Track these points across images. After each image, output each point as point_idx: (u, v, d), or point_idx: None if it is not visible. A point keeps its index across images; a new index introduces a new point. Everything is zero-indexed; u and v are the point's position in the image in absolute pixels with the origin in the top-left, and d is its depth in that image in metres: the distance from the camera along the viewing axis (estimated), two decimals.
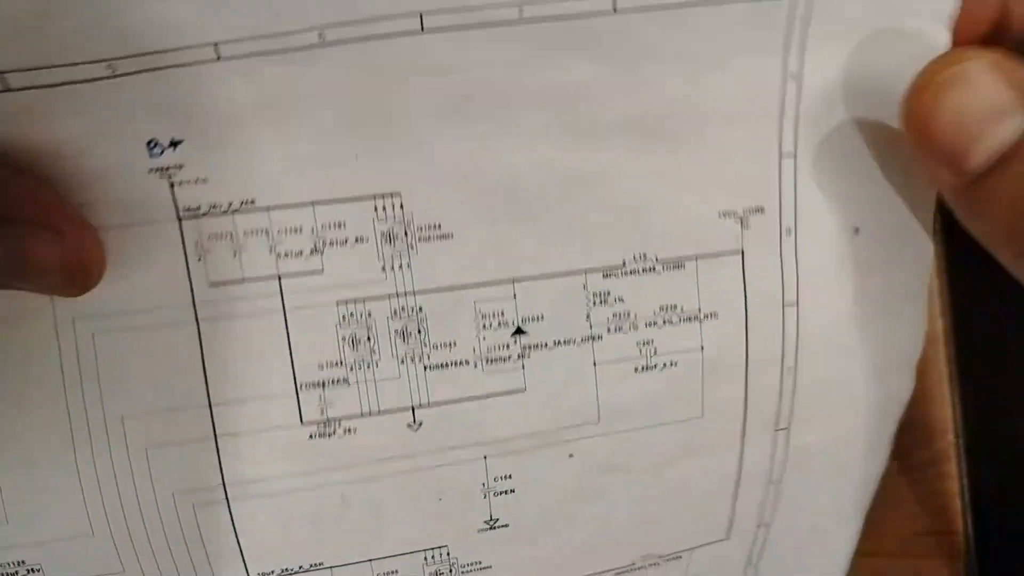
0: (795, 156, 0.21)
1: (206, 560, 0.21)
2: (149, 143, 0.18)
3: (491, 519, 0.23)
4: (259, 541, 0.21)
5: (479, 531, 0.23)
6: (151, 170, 0.18)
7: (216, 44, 0.17)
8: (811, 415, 0.23)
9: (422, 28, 0.18)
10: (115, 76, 0.17)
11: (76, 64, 0.17)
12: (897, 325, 0.23)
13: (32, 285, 0.18)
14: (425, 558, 0.23)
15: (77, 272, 0.18)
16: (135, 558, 0.21)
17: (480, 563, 0.23)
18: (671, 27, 0.19)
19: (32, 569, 0.20)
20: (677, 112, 0.20)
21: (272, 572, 0.22)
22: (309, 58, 0.18)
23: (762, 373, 0.22)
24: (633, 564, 0.25)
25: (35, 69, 0.16)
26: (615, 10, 0.18)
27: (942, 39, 0.19)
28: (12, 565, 0.20)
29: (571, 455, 0.22)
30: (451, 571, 0.23)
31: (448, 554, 0.23)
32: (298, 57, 0.18)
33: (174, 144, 0.18)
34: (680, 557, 0.25)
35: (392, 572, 0.23)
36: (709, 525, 0.25)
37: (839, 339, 0.22)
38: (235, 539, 0.21)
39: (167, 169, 0.18)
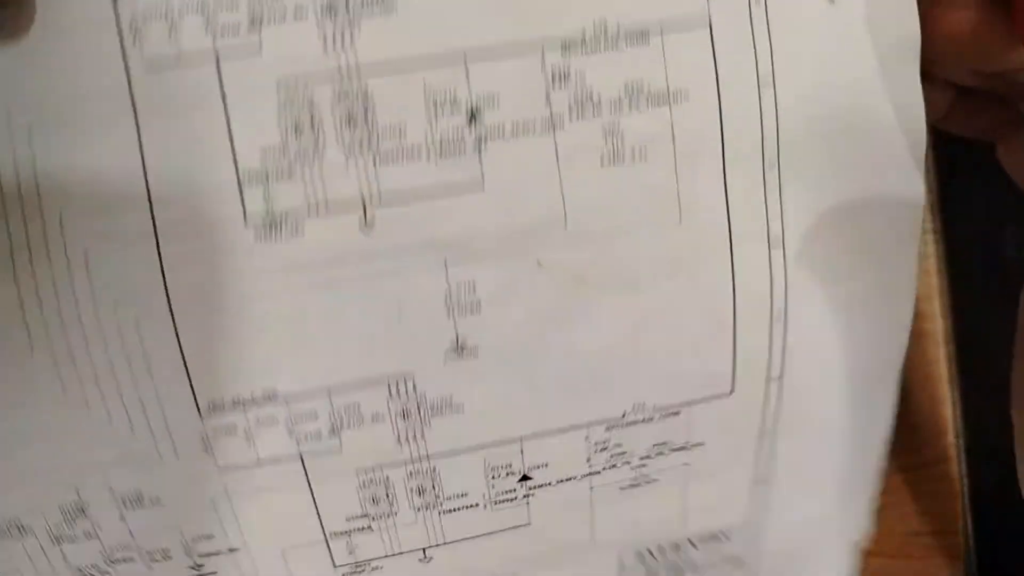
0: None
1: (150, 382, 0.20)
2: None
3: (458, 341, 0.21)
4: (206, 361, 0.20)
5: (446, 357, 0.21)
6: None
7: None
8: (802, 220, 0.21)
9: None
10: None
11: None
12: (886, 106, 0.21)
13: None
14: (389, 390, 0.21)
15: None
16: (77, 378, 0.20)
17: (451, 399, 0.21)
18: None
19: None
20: None
21: (223, 400, 0.20)
22: None
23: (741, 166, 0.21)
24: (624, 415, 0.22)
25: None
26: None
27: None
28: None
29: (539, 263, 0.21)
30: (419, 409, 0.21)
31: (415, 387, 0.21)
32: None
33: None
34: (678, 413, 0.23)
35: (354, 405, 0.21)
36: (708, 373, 0.22)
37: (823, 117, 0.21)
38: (181, 358, 0.20)
39: None
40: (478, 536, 0.23)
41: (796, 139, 0.21)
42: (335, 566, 0.23)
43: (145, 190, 0.19)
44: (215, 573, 0.22)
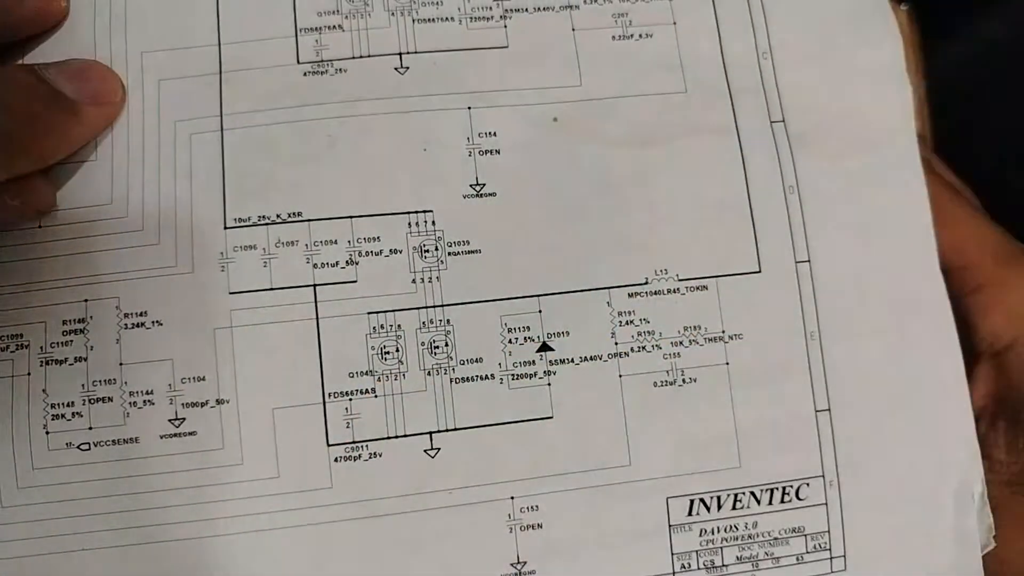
0: None
1: (189, 193, 0.21)
2: None
3: (477, 182, 0.22)
4: (242, 177, 0.21)
5: (465, 196, 0.22)
6: None
7: None
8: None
9: None
10: None
11: None
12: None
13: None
14: (409, 224, 0.21)
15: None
16: (125, 188, 0.21)
17: (468, 243, 0.22)
18: None
19: None
20: None
21: (249, 219, 0.21)
22: None
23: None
24: (647, 280, 0.22)
25: None
26: None
27: None
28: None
29: (555, 119, 0.22)
30: (437, 247, 0.21)
31: (434, 223, 0.22)
32: None
33: None
34: (706, 287, 0.22)
35: (374, 238, 0.21)
36: (730, 243, 0.22)
37: None
38: (221, 171, 0.21)
39: None
40: (494, 425, 0.21)
41: None
42: (328, 444, 0.21)
43: (216, 38, 0.22)
44: (194, 433, 0.20)
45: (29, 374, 0.20)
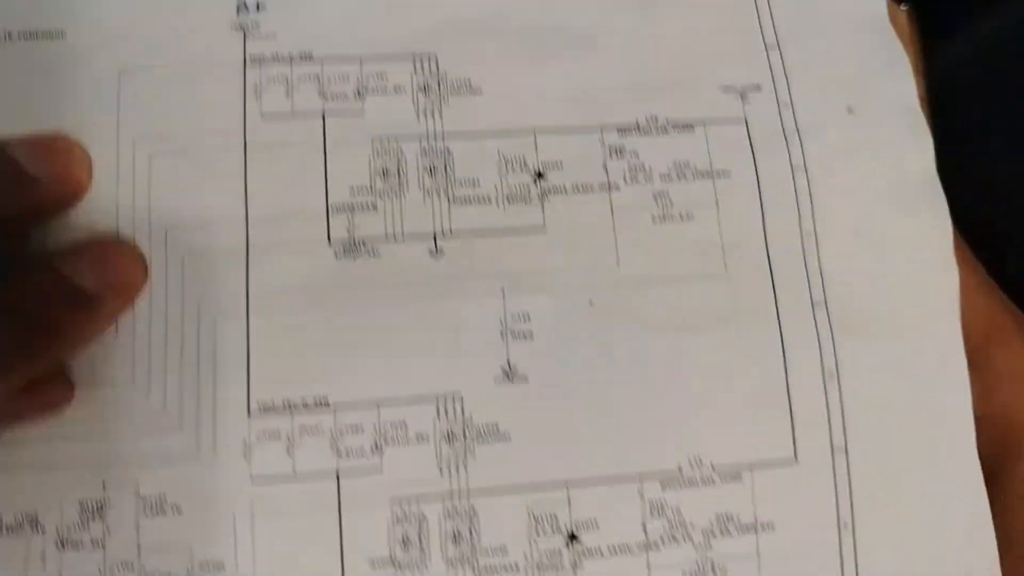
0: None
1: (212, 377, 0.21)
2: (238, 5, 0.23)
3: (508, 366, 0.21)
4: (268, 361, 0.21)
5: (496, 380, 0.21)
6: (233, 28, 0.23)
7: None
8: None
9: None
10: None
11: None
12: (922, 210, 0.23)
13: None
14: (437, 409, 0.21)
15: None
16: (147, 370, 0.21)
17: (497, 426, 0.21)
18: None
19: None
20: None
21: (273, 404, 0.21)
22: None
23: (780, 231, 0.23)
24: (680, 470, 0.21)
25: None
26: None
27: None
28: None
29: (591, 301, 0.22)
30: (465, 433, 0.21)
31: (463, 409, 0.21)
32: None
33: (259, 7, 0.23)
34: (740, 478, 0.21)
35: (400, 423, 0.21)
36: (766, 431, 0.22)
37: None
38: (246, 355, 0.21)
39: (246, 25, 0.23)
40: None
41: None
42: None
43: (244, 212, 0.22)
44: None
45: (44, 557, 0.20)
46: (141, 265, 0.21)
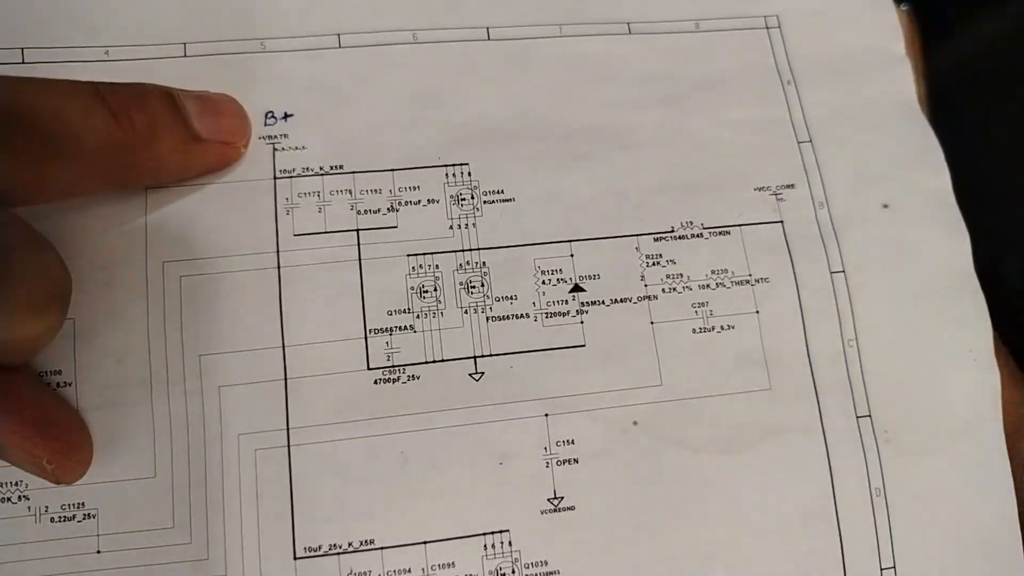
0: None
1: (255, 517, 0.20)
2: (267, 114, 0.23)
3: (555, 496, 0.21)
4: (312, 500, 0.20)
5: (543, 512, 0.21)
6: (260, 137, 0.22)
7: (339, 35, 0.23)
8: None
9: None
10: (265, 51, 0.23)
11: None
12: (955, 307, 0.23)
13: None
14: (485, 546, 0.21)
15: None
16: (187, 511, 0.20)
17: (546, 563, 0.21)
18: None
19: (88, 514, 0.20)
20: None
21: (320, 548, 0.20)
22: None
23: (822, 342, 0.22)
24: None
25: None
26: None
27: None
28: (71, 508, 0.20)
29: (635, 422, 0.21)
30: (514, 570, 0.21)
31: (511, 544, 0.21)
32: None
33: (287, 116, 0.23)
34: None
35: (448, 564, 0.20)
36: (818, 557, 0.22)
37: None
38: (289, 494, 0.20)
39: (274, 137, 0.22)
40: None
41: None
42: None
43: (280, 339, 0.21)
44: None
45: None
46: (248, 131, 0.22)
